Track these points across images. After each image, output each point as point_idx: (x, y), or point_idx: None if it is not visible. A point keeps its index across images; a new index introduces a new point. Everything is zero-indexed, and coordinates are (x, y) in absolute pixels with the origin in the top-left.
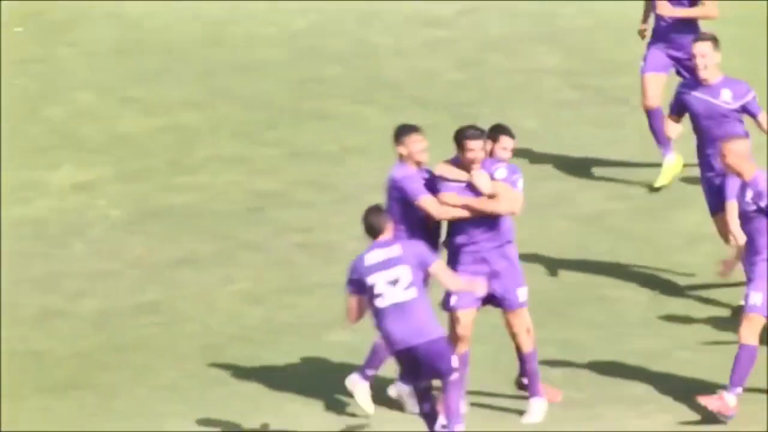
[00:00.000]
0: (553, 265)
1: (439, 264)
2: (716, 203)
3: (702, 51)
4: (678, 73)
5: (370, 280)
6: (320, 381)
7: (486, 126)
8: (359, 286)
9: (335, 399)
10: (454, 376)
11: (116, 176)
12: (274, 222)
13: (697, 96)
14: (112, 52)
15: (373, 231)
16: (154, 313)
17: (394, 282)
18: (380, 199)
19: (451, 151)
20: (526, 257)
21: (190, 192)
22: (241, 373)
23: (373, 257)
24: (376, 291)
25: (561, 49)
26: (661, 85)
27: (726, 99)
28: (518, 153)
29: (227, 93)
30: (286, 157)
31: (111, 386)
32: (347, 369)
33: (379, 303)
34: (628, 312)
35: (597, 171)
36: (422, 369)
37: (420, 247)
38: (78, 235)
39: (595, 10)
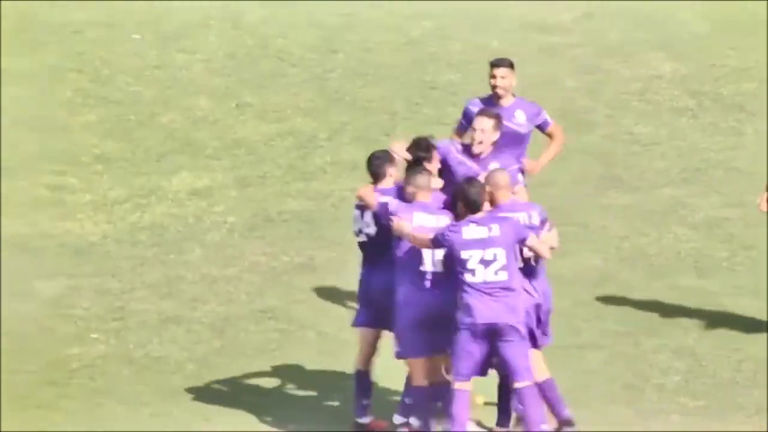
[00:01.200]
0: (669, 272)
1: (534, 237)
2: None
3: None
4: None
5: (464, 254)
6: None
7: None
8: (442, 248)
9: None
10: (527, 382)
11: (233, 182)
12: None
13: None
14: (229, 58)
15: (474, 206)
16: (271, 319)
17: (489, 262)
18: None
19: (559, 159)
20: (642, 264)
21: (307, 198)
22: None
23: (471, 232)
24: (469, 266)
25: (677, 55)
26: None
27: None
28: (635, 160)
29: (344, 99)
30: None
31: (228, 392)
32: None
33: (469, 278)
34: (745, 319)
35: (714, 178)
36: (496, 353)
37: (515, 223)
38: (196, 240)
39: (711, 16)
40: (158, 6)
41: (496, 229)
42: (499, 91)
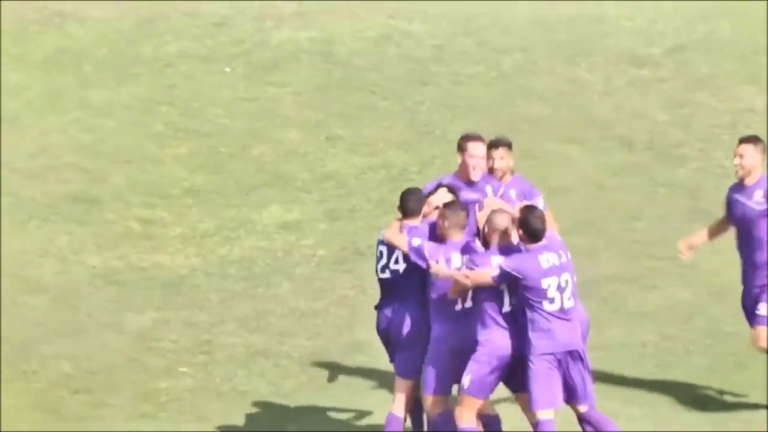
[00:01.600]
0: None
1: None
2: None
3: None
4: None
5: (544, 283)
6: None
7: None
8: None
9: None
10: (589, 405)
11: (323, 215)
12: None
13: None
14: (319, 90)
15: (538, 235)
16: (360, 352)
17: (563, 288)
18: (584, 240)
19: (648, 192)
20: (732, 298)
21: None
22: None
23: (548, 260)
24: (549, 294)
25: None
26: None
27: None
28: (724, 194)
29: (434, 132)
30: None
31: (315, 427)
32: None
33: (548, 306)
34: None
35: None
36: (568, 377)
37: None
38: (284, 274)
39: None
40: (249, 39)
41: (563, 255)
42: (498, 172)
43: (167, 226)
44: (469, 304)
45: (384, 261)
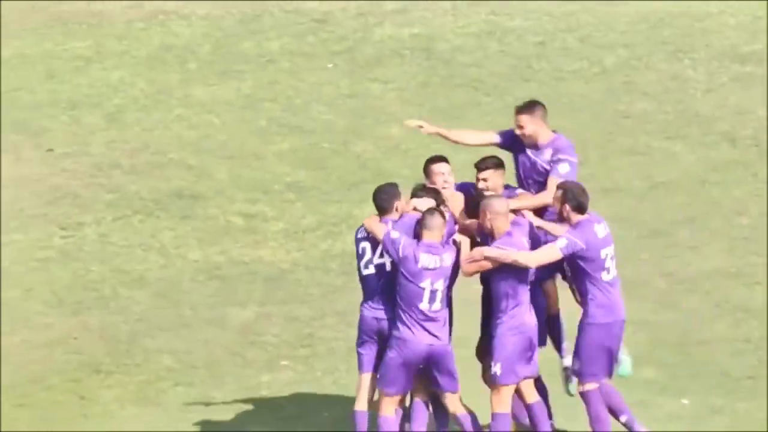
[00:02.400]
0: None
1: None
2: None
3: None
4: None
5: (602, 252)
6: None
7: None
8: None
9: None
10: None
11: None
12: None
13: None
14: (422, 87)
15: (584, 207)
16: (462, 347)
17: (613, 258)
18: (688, 235)
19: (752, 188)
20: None
21: None
22: None
23: (601, 231)
24: (606, 264)
25: None
26: None
27: None
28: None
29: None
30: (596, 192)
31: None
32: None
33: (605, 276)
34: None
35: None
36: (614, 347)
37: None
38: None
39: None
40: (352, 35)
41: (607, 226)
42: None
43: (269, 221)
44: (437, 306)
45: (368, 256)
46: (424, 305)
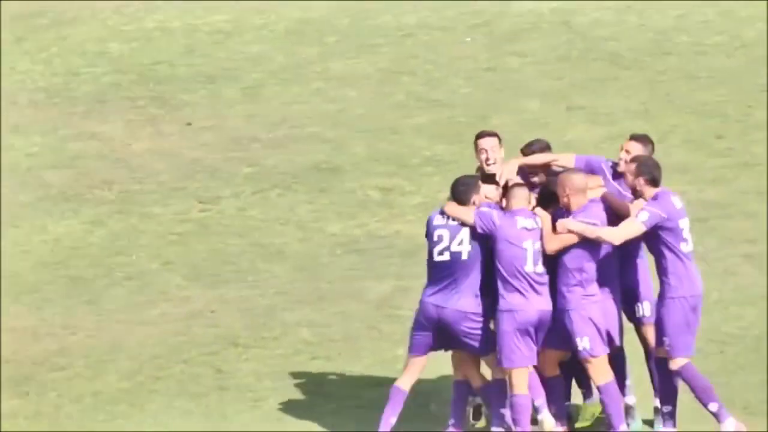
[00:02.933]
0: None
1: None
2: None
3: None
4: None
5: (681, 223)
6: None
7: None
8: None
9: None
10: None
11: None
12: (721, 232)
13: None
14: (560, 61)
15: (658, 179)
16: None
17: (690, 230)
18: None
19: None
20: None
21: None
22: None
23: (678, 202)
24: (685, 235)
25: None
26: None
27: None
28: None
29: (676, 102)
30: (735, 166)
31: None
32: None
33: (684, 247)
34: None
35: None
36: (695, 322)
37: None
38: None
39: None
40: (490, 9)
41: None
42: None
43: (406, 194)
44: (540, 269)
45: (444, 243)
46: (528, 267)
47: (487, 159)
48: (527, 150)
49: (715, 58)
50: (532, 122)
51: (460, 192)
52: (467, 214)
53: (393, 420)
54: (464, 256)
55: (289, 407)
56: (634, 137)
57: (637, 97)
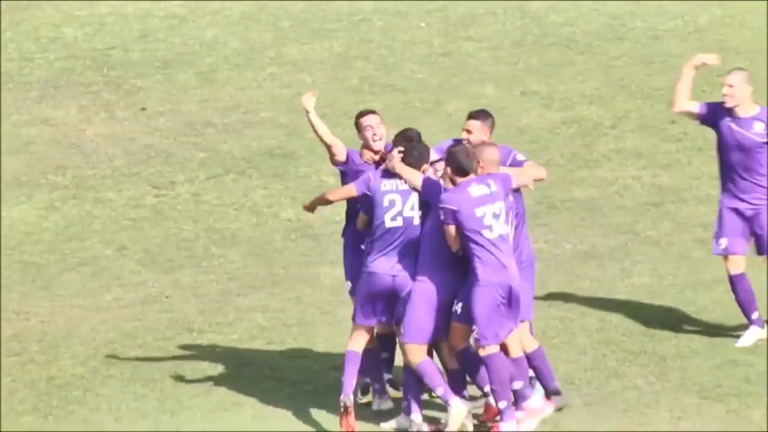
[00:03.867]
0: None
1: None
2: None
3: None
4: None
5: (477, 212)
6: (721, 376)
7: None
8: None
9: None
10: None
11: None
12: (675, 217)
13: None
14: (515, 46)
15: (465, 170)
16: (552, 306)
17: (497, 215)
18: None
19: None
20: None
21: (590, 185)
22: (635, 367)
23: (477, 190)
24: (486, 222)
25: None
26: None
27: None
28: None
29: (630, 87)
30: (689, 151)
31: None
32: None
33: (488, 234)
34: None
35: None
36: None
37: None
38: None
39: None
40: None
41: (493, 185)
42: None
43: None
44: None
45: (397, 208)
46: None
47: (374, 135)
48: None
49: (668, 43)
50: (487, 107)
51: (416, 157)
52: (418, 177)
53: (353, 382)
54: (416, 222)
55: (244, 392)
56: (472, 115)
57: (591, 82)
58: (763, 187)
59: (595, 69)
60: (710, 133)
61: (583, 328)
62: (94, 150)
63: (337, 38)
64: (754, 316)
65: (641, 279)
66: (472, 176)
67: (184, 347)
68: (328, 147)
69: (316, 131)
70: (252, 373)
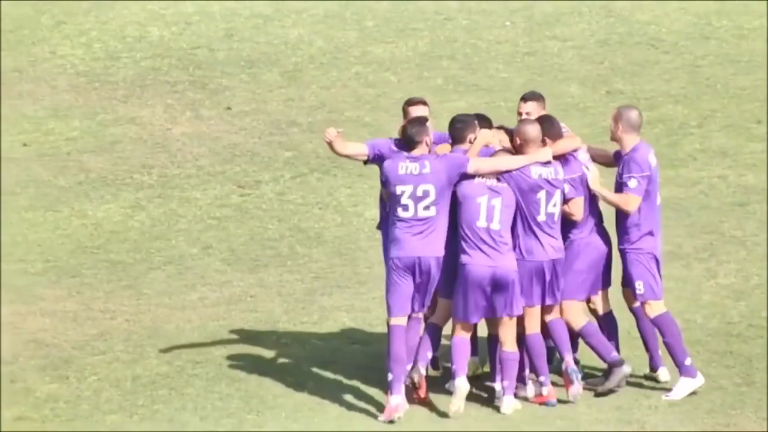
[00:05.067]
0: None
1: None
2: None
3: None
4: None
5: (398, 189)
6: None
7: None
8: None
9: None
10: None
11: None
12: (761, 217)
13: None
14: (600, 45)
15: (409, 143)
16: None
17: (419, 198)
18: None
19: None
20: None
21: (676, 185)
22: (721, 368)
23: (405, 168)
24: (402, 201)
25: None
26: None
27: None
28: None
29: (716, 86)
30: None
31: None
32: None
33: (401, 213)
34: None
35: None
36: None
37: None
38: None
39: None
40: None
41: (428, 167)
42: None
43: None
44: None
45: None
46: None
47: None
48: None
49: (755, 42)
50: (572, 107)
51: (456, 129)
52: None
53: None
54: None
55: (329, 392)
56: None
57: (677, 81)
58: None
59: (680, 68)
60: None
61: None
62: (179, 149)
63: (421, 37)
64: None
65: (727, 279)
66: (414, 152)
67: (268, 347)
68: (350, 156)
69: (345, 155)
70: (337, 372)
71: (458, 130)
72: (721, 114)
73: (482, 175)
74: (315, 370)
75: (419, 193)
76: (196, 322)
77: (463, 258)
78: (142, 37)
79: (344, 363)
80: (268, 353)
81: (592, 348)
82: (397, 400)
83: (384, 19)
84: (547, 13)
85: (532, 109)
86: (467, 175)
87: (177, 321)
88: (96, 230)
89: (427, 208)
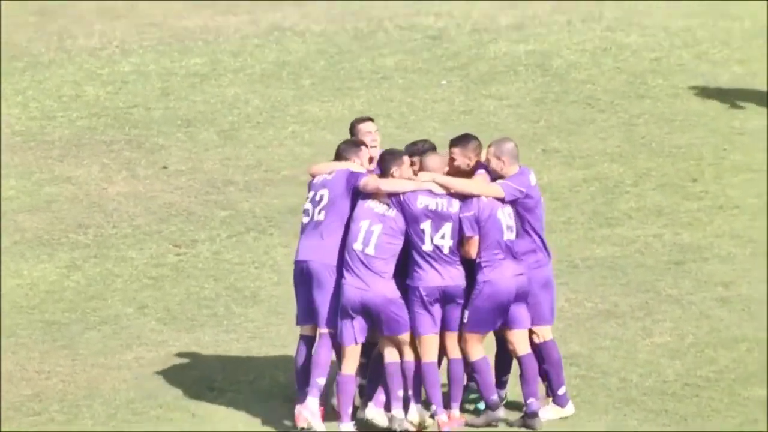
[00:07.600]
0: None
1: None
2: None
3: None
4: None
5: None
6: None
7: None
8: None
9: None
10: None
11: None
12: (696, 275)
13: None
14: (536, 103)
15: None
16: (573, 365)
17: (317, 202)
18: None
19: None
20: None
21: (611, 244)
22: (656, 426)
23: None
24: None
25: None
26: None
27: None
28: None
29: (651, 144)
30: (710, 210)
31: None
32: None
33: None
34: None
35: None
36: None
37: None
38: None
39: None
40: (466, 52)
41: (334, 174)
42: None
43: None
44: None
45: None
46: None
47: (374, 140)
48: (412, 148)
49: (689, 101)
50: None
51: (383, 161)
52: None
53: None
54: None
55: None
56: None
57: (612, 139)
58: None
59: (616, 127)
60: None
61: (604, 387)
62: (115, 209)
63: (358, 96)
64: None
65: (662, 338)
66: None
67: (204, 406)
68: None
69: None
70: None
71: (385, 161)
72: (656, 172)
73: (376, 198)
74: (252, 429)
75: (317, 197)
76: (132, 381)
77: (343, 279)
78: (78, 97)
79: (281, 421)
80: (205, 413)
81: (476, 384)
82: (300, 410)
83: (320, 78)
84: (482, 72)
85: (457, 155)
86: (365, 196)
87: (113, 381)
88: (31, 290)
89: (320, 212)
